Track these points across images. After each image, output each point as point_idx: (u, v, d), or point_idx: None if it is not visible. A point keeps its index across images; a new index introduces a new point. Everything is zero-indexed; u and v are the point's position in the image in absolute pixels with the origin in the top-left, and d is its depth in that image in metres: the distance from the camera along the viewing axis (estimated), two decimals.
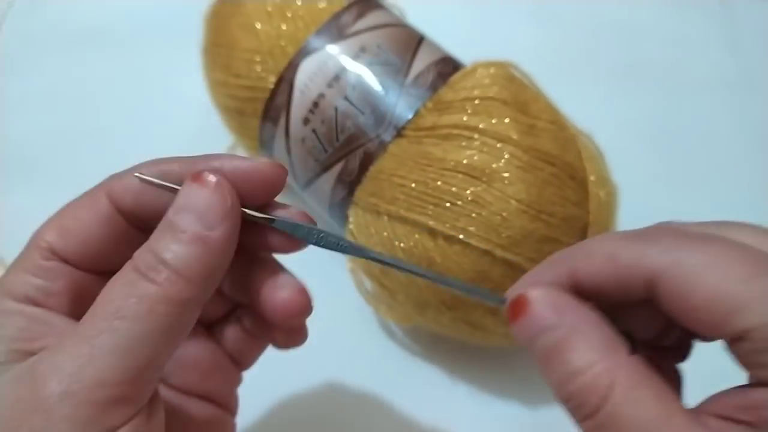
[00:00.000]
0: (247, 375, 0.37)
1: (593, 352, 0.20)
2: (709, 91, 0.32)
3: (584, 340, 0.20)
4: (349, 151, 0.33)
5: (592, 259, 0.21)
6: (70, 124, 0.46)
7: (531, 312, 0.21)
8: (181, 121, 0.46)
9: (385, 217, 0.31)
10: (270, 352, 0.38)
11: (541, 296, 0.21)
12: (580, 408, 0.20)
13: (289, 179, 0.38)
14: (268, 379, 0.37)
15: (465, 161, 0.30)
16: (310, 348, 0.38)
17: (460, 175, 0.30)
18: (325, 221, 0.41)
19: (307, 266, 0.40)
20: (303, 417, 0.36)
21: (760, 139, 0.30)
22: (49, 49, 0.50)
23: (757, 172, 0.31)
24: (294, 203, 0.40)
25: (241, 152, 0.45)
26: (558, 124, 0.31)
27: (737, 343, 0.19)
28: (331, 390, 0.37)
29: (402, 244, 0.31)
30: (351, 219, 0.34)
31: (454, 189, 0.29)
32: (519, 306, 0.21)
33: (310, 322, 0.38)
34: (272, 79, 0.35)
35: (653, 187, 0.32)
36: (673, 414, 0.19)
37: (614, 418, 0.19)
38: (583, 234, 0.30)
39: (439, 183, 0.30)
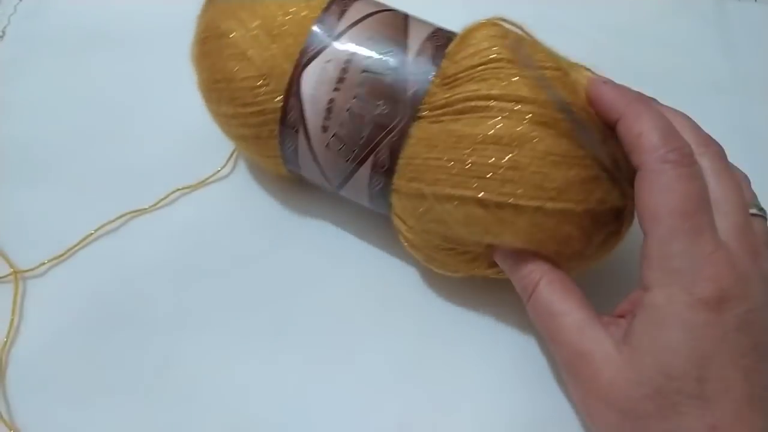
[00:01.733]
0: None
1: (530, 263, 0.33)
2: (703, 94, 0.33)
3: (524, 258, 0.33)
4: (375, 144, 0.34)
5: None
6: (75, 127, 0.47)
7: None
8: (184, 123, 0.47)
9: (431, 198, 0.33)
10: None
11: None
12: (524, 293, 0.34)
13: (322, 183, 0.39)
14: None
15: (491, 132, 0.31)
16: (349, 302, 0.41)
17: (491, 147, 0.31)
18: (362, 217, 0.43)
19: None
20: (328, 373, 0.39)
21: (754, 141, 0.31)
22: (53, 53, 0.51)
23: (752, 174, 0.32)
24: (330, 204, 0.42)
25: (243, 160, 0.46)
26: (562, 69, 0.33)
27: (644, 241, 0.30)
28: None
29: (455, 218, 0.33)
30: (394, 205, 0.36)
31: (491, 160, 0.31)
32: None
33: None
34: (279, 98, 0.36)
35: None
36: (571, 300, 0.32)
37: (538, 299, 0.33)
38: (615, 165, 0.32)
39: (474, 158, 0.31)
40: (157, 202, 0.44)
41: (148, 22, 0.51)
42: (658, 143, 0.29)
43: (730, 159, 0.31)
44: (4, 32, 0.52)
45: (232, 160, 0.46)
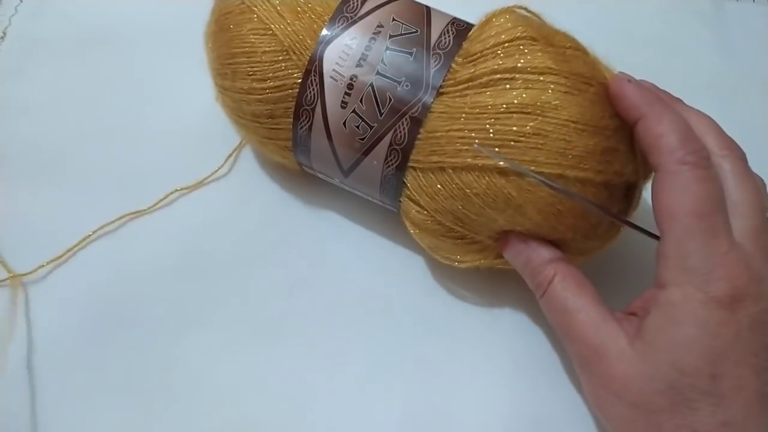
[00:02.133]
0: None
1: (543, 259, 0.34)
2: (700, 94, 0.34)
3: (537, 254, 0.34)
4: (395, 121, 0.35)
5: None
6: (75, 127, 0.47)
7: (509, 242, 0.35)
8: (182, 124, 0.47)
9: (450, 170, 0.33)
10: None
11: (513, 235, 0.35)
12: (538, 289, 0.34)
13: (329, 170, 0.39)
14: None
15: (515, 101, 0.32)
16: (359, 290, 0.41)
17: (515, 115, 0.32)
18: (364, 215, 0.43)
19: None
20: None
21: (752, 141, 0.33)
22: (53, 54, 0.50)
23: None
24: (331, 203, 0.43)
25: (248, 151, 0.46)
26: (581, 49, 0.34)
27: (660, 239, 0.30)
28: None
29: (474, 190, 0.33)
30: (409, 184, 0.36)
31: (514, 128, 0.32)
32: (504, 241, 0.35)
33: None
34: (299, 74, 0.36)
35: (646, 191, 0.35)
36: (585, 296, 0.32)
37: (552, 295, 0.33)
38: (632, 139, 0.33)
39: (497, 126, 0.32)
40: (156, 203, 0.44)
41: (148, 23, 0.52)
42: (676, 145, 0.30)
43: None
44: (4, 33, 0.52)
45: (231, 159, 0.46)
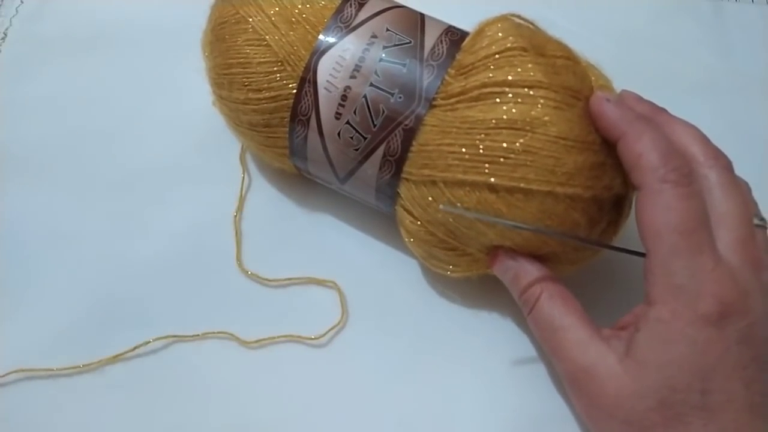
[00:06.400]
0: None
1: (530, 276, 0.34)
2: (700, 95, 0.34)
3: (525, 271, 0.34)
4: (388, 132, 0.35)
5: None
6: (76, 129, 0.47)
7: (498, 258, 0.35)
8: (187, 125, 0.47)
9: (441, 184, 0.34)
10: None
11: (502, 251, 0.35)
12: (525, 306, 0.35)
13: (326, 176, 0.40)
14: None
15: (505, 117, 0.32)
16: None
17: (505, 131, 0.32)
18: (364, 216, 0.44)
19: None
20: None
21: (752, 142, 0.32)
22: (54, 55, 0.51)
23: (749, 175, 0.33)
24: (332, 203, 0.43)
25: (249, 159, 0.46)
26: (572, 59, 0.34)
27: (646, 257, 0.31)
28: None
29: (465, 205, 0.33)
30: (402, 194, 0.36)
31: (504, 144, 0.32)
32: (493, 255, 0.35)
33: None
34: (294, 84, 0.37)
35: None
36: (572, 314, 0.33)
37: (539, 313, 0.34)
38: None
39: (487, 142, 0.32)
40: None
41: (149, 22, 0.52)
42: (657, 163, 0.30)
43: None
44: (5, 34, 0.52)
45: (236, 159, 0.46)
